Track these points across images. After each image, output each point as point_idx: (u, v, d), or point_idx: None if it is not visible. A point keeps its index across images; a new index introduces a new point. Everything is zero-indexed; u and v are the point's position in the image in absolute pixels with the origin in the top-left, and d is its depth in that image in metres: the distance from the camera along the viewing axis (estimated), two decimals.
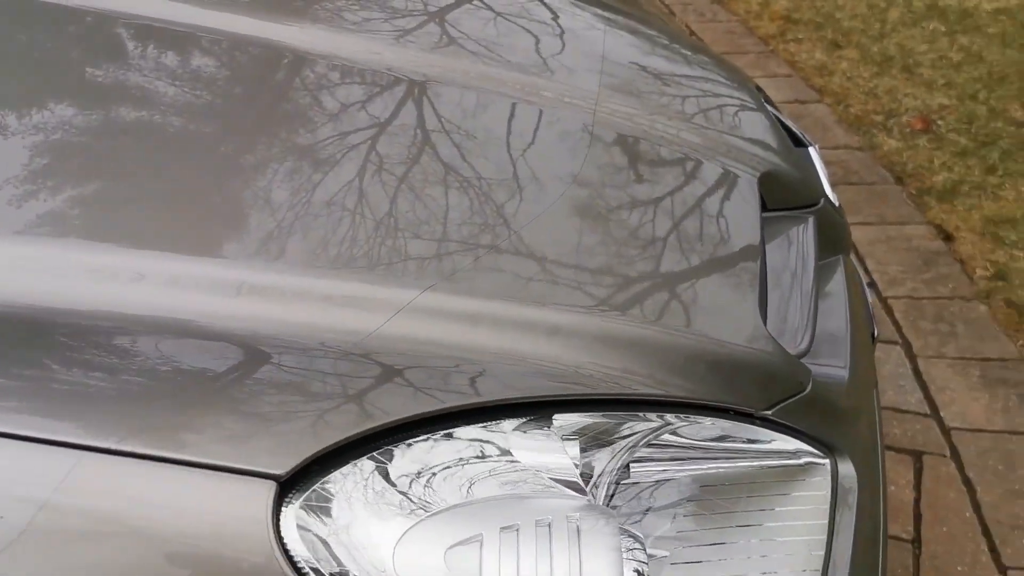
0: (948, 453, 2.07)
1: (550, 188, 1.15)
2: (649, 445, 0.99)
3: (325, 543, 0.72)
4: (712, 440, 1.04)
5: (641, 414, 0.96)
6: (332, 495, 0.73)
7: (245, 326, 0.82)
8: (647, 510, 0.99)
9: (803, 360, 1.14)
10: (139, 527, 0.69)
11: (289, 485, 0.72)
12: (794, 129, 1.56)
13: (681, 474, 1.03)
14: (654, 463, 1.02)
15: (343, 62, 1.28)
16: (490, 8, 1.56)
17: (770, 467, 1.06)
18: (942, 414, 2.17)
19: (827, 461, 1.09)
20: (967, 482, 1.99)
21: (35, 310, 0.81)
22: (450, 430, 0.80)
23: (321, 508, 0.72)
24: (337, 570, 0.72)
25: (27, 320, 0.80)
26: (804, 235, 1.37)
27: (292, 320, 0.85)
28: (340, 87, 1.26)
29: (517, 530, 0.77)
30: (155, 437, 0.70)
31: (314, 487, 0.73)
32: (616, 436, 0.95)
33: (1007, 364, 2.29)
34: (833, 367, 1.23)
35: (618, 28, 1.58)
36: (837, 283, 1.44)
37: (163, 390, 0.75)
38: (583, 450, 0.92)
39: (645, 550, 0.81)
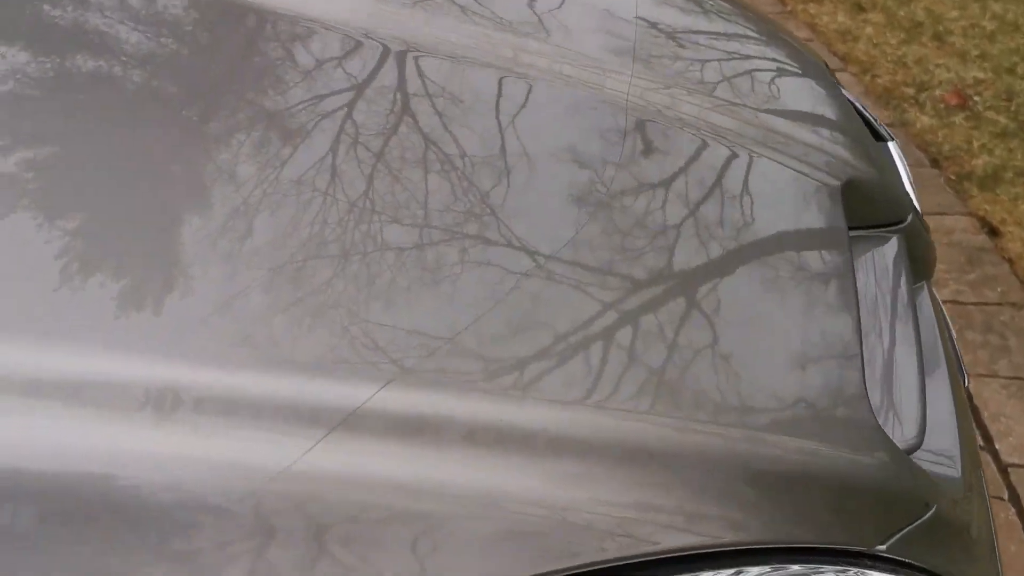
0: (1007, 496, 1.77)
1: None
2: None
3: None
4: None
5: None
6: None
7: None
8: None
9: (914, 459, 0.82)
10: None
11: None
12: (869, 117, 1.23)
13: None
14: None
15: (311, 23, 0.93)
16: None
17: None
18: (997, 447, 1.86)
19: None
20: None
21: None
22: None
23: None
24: None
25: None
26: (892, 265, 1.04)
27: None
28: (305, 53, 0.92)
29: None
30: None
31: None
32: None
33: None
34: (942, 463, 0.91)
35: None
36: (929, 326, 1.11)
37: None
38: None
39: None
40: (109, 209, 0.70)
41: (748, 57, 1.16)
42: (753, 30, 1.26)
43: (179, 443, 0.52)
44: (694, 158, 0.96)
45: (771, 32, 1.27)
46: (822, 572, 0.69)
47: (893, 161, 1.21)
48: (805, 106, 1.10)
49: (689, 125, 0.99)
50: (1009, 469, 1.82)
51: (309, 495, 0.52)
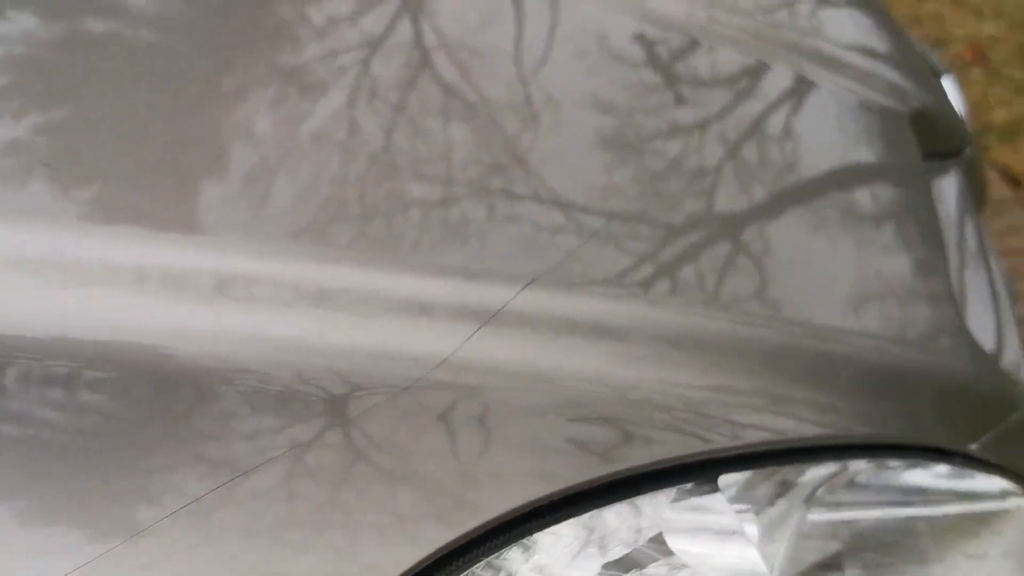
0: None
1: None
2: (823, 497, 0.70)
3: None
4: (904, 483, 0.75)
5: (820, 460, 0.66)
6: None
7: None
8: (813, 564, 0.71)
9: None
10: None
11: None
12: (923, 50, 1.25)
13: (857, 522, 0.74)
14: (828, 510, 0.73)
15: None
16: None
17: (969, 513, 0.78)
18: None
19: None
20: None
21: None
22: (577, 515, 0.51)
23: None
24: None
25: None
26: (956, 194, 1.07)
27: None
28: None
29: None
30: None
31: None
32: (786, 489, 0.66)
33: None
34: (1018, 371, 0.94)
35: None
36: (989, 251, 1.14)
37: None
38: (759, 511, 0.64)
39: None
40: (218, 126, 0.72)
41: None
42: None
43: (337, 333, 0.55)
44: (752, 81, 0.98)
45: None
46: (916, 469, 0.72)
47: (948, 95, 1.23)
48: (866, 35, 1.12)
49: (739, 45, 1.01)
50: None
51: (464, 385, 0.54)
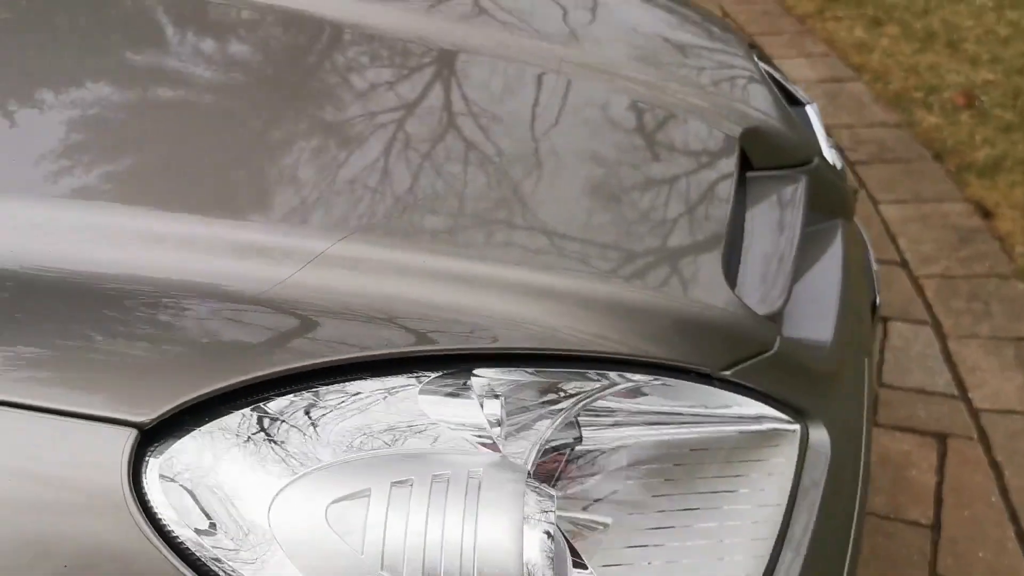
0: (975, 436, 1.96)
1: (507, 142, 1.09)
2: (593, 407, 0.93)
3: (193, 496, 0.67)
4: (670, 405, 0.97)
5: (580, 371, 0.89)
6: (205, 446, 0.68)
7: (123, 271, 0.77)
8: (593, 475, 0.93)
9: (777, 321, 1.06)
10: None
11: (155, 434, 0.67)
12: (789, 87, 1.48)
13: (635, 440, 0.96)
14: (607, 428, 0.95)
15: (371, 31, 1.22)
16: None
17: (732, 433, 0.99)
18: (971, 396, 2.05)
19: (796, 427, 1.01)
20: (995, 465, 1.88)
21: None
22: (346, 382, 0.75)
23: (191, 460, 0.68)
24: (205, 525, 0.67)
25: None
26: (794, 195, 1.29)
27: (190, 268, 0.80)
28: (367, 56, 1.20)
29: (411, 485, 0.71)
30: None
31: (184, 437, 0.68)
32: (553, 396, 0.89)
33: None
34: (815, 331, 1.15)
35: None
36: (834, 247, 1.35)
37: (14, 333, 0.70)
38: (518, 410, 0.86)
39: (555, 510, 0.74)
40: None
41: (682, 46, 1.43)
42: (694, 21, 1.53)
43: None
44: (617, 114, 1.22)
45: (705, 20, 1.53)
46: (678, 382, 0.94)
47: (809, 120, 1.45)
48: (719, 76, 1.35)
49: (614, 89, 1.25)
50: (980, 412, 2.01)
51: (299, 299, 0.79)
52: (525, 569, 0.71)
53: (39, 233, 0.81)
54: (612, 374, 0.91)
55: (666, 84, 1.29)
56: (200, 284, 0.79)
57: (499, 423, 0.82)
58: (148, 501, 0.66)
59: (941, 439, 1.96)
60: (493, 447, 0.78)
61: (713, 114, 1.26)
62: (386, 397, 0.76)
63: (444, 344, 0.82)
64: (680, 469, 0.96)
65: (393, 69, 1.18)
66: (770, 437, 1.00)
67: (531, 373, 0.87)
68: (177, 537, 0.66)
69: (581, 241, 0.99)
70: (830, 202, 1.42)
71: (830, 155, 1.45)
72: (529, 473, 0.77)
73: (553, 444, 0.91)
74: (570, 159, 1.10)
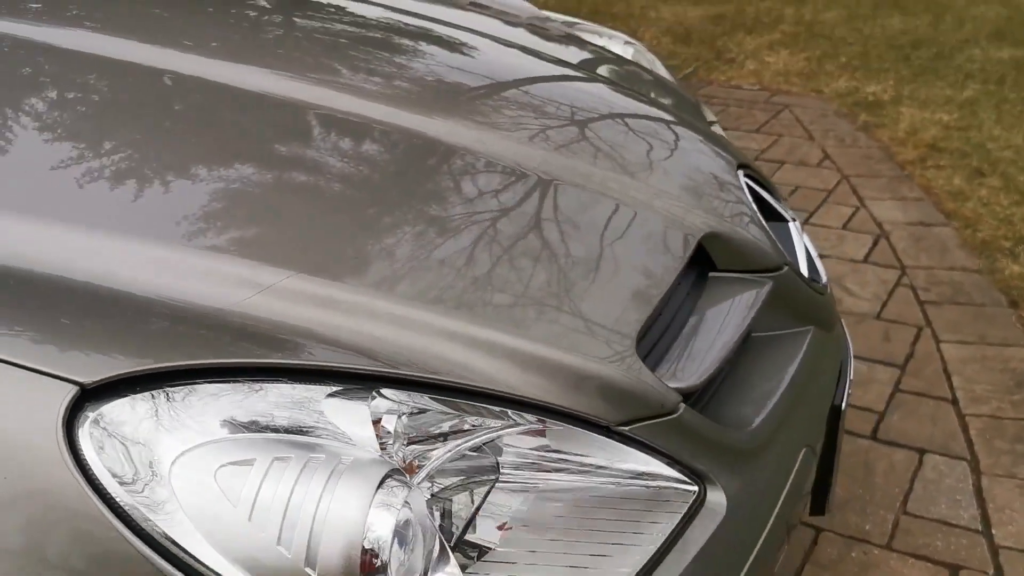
0: (992, 572, 1.95)
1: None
2: (498, 446, 1.07)
3: (117, 450, 0.86)
4: (570, 453, 1.10)
5: (479, 406, 1.05)
6: (131, 411, 0.87)
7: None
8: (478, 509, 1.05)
9: (686, 394, 1.18)
10: None
11: (94, 395, 0.87)
12: (775, 204, 1.61)
13: (535, 483, 1.09)
14: (514, 470, 1.09)
15: (480, 155, 1.44)
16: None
17: (629, 485, 1.11)
18: (994, 532, 2.05)
19: (695, 488, 1.13)
20: None
21: None
22: (261, 382, 0.93)
23: (118, 419, 0.87)
24: (122, 475, 0.85)
25: None
26: (752, 297, 1.41)
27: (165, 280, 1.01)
28: (471, 173, 1.42)
29: (289, 461, 0.88)
30: None
31: (117, 400, 0.87)
32: (455, 428, 1.04)
33: None
34: (741, 415, 1.27)
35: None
36: (793, 350, 1.46)
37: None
38: (421, 440, 1.02)
39: (406, 488, 0.89)
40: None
41: (663, 143, 1.60)
42: (692, 139, 1.70)
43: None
44: (596, 212, 1.39)
45: (690, 123, 1.70)
46: (572, 431, 1.08)
47: (790, 235, 1.58)
48: (695, 183, 1.51)
49: (600, 189, 1.43)
50: (1000, 550, 2.00)
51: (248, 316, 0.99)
52: (368, 543, 0.86)
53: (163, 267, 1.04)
54: (510, 412, 1.06)
55: (646, 190, 1.45)
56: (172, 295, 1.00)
57: (394, 437, 0.99)
58: (78, 447, 0.85)
59: (954, 570, 1.96)
60: (382, 453, 0.95)
61: (681, 217, 1.41)
62: (294, 398, 0.94)
63: (354, 364, 0.99)
64: (564, 514, 1.08)
65: (488, 184, 1.38)
66: (663, 492, 1.12)
67: (436, 401, 1.03)
68: (99, 481, 0.85)
69: (513, 301, 1.16)
70: (803, 311, 1.53)
71: (810, 268, 1.57)
72: (398, 469, 0.93)
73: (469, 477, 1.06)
74: (530, 239, 1.27)
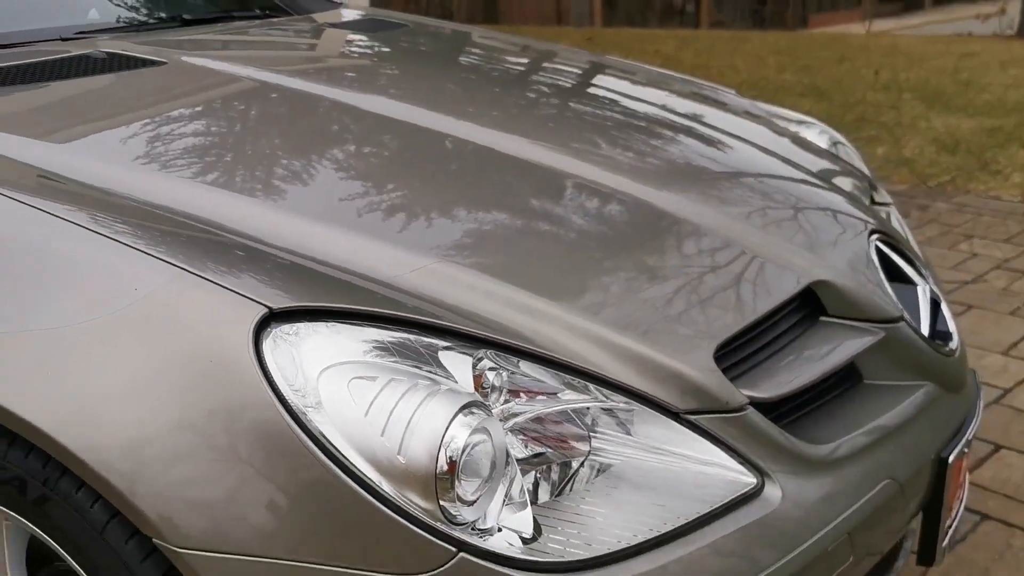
0: None
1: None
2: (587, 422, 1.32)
3: (288, 355, 1.19)
4: (643, 435, 1.33)
5: (576, 382, 1.31)
6: (305, 332, 1.21)
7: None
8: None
9: (763, 403, 1.38)
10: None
11: (277, 318, 1.21)
12: (906, 268, 1.76)
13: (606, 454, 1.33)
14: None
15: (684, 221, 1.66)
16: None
17: (687, 468, 1.32)
18: None
19: (753, 480, 1.32)
20: None
21: None
22: (408, 333, 1.25)
23: (293, 340, 1.20)
24: (292, 382, 1.16)
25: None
26: (857, 343, 1.58)
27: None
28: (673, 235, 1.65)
29: (402, 380, 1.18)
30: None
31: (293, 323, 1.21)
32: (548, 391, 1.31)
33: None
34: (824, 434, 1.47)
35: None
36: (903, 402, 1.60)
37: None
38: (516, 397, 1.30)
39: (487, 416, 1.17)
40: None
41: (801, 195, 1.81)
42: (829, 197, 1.89)
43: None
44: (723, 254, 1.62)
45: (835, 187, 1.89)
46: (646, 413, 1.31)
47: (917, 296, 1.73)
48: (825, 235, 1.71)
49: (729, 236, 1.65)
50: None
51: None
52: (444, 446, 1.14)
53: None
54: (591, 386, 1.31)
55: (774, 239, 1.67)
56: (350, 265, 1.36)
57: (492, 389, 1.27)
58: (263, 354, 1.18)
59: None
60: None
61: (796, 263, 1.61)
62: (420, 343, 1.25)
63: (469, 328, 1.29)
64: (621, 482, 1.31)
65: (677, 241, 1.65)
66: (724, 477, 1.32)
67: (534, 370, 1.31)
68: (276, 383, 1.18)
69: (625, 309, 1.42)
70: (922, 367, 1.66)
71: (939, 331, 1.71)
72: (481, 402, 1.20)
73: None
74: (653, 264, 1.53)
